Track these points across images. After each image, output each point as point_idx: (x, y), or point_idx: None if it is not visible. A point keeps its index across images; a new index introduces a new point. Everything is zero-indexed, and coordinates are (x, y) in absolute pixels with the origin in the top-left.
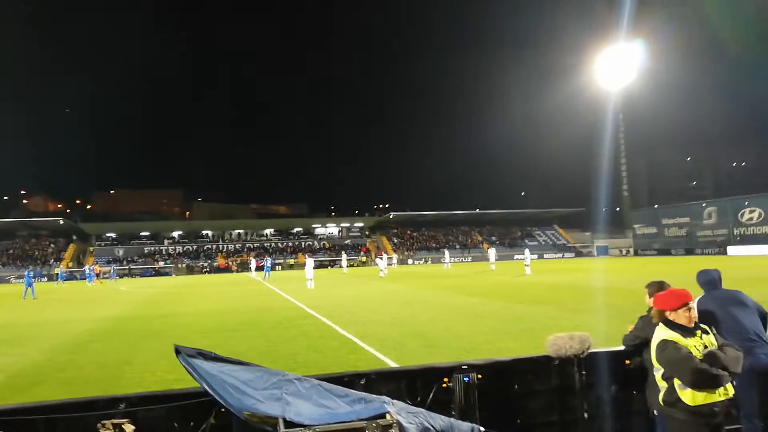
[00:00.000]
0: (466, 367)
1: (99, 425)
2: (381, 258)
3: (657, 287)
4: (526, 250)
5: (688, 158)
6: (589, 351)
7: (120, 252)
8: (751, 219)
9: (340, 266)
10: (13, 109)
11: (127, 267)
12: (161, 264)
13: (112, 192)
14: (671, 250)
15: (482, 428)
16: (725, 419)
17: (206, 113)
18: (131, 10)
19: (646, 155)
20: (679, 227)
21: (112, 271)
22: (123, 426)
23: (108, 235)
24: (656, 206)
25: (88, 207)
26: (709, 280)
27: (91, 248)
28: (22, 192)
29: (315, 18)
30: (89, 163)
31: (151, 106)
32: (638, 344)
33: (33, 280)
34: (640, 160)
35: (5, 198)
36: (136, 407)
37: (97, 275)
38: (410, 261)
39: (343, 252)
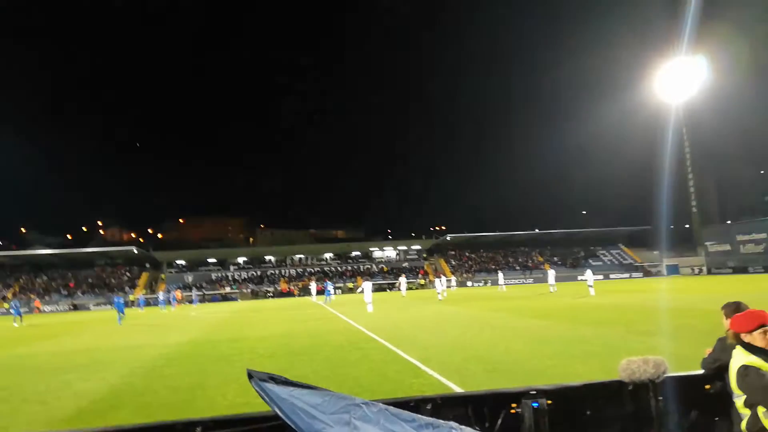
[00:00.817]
0: (534, 392)
1: None
2: (439, 280)
3: (734, 308)
4: (588, 271)
5: (762, 171)
6: (665, 375)
7: (189, 278)
8: None
9: (399, 289)
10: (89, 143)
11: (201, 293)
12: (227, 289)
13: (181, 221)
14: (748, 267)
15: None
16: None
17: (265, 142)
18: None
19: (714, 170)
20: (756, 243)
21: (194, 296)
22: None
23: (178, 262)
24: (729, 222)
25: (159, 236)
26: None
27: (163, 275)
28: (99, 223)
29: (380, 47)
30: (160, 194)
31: (213, 136)
32: (718, 367)
33: (124, 306)
34: (708, 175)
35: (84, 229)
36: (211, 430)
37: (179, 301)
38: (469, 283)
39: (402, 275)
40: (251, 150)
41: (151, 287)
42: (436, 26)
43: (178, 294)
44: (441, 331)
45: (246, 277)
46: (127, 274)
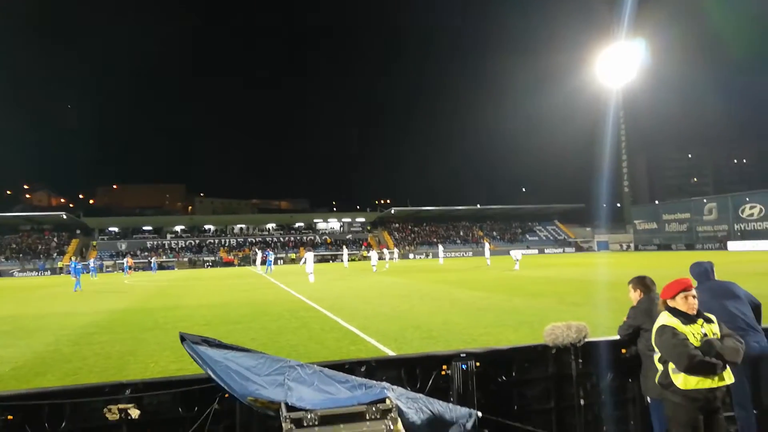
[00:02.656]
0: (464, 355)
1: (105, 410)
2: (375, 252)
3: (639, 280)
4: (513, 252)
5: (689, 155)
6: (586, 340)
7: (123, 246)
8: (751, 215)
9: (341, 260)
10: (15, 104)
11: (161, 259)
12: (164, 258)
13: (114, 187)
14: (672, 245)
15: (480, 414)
16: (721, 406)
17: (208, 108)
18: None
19: (647, 152)
20: (680, 223)
21: (153, 263)
22: (129, 410)
23: (111, 229)
24: (657, 202)
25: (91, 201)
26: (702, 272)
27: (94, 242)
28: (25, 187)
29: (318, 15)
30: (92, 158)
31: (153, 100)
32: (632, 333)
33: (81, 271)
34: (641, 157)
35: (8, 192)
36: (141, 393)
37: (131, 268)
38: (411, 255)
39: (344, 246)
40: (193, 116)
41: (82, 254)
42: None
43: (130, 260)
44: (381, 301)
45: (184, 245)
46: (56, 240)
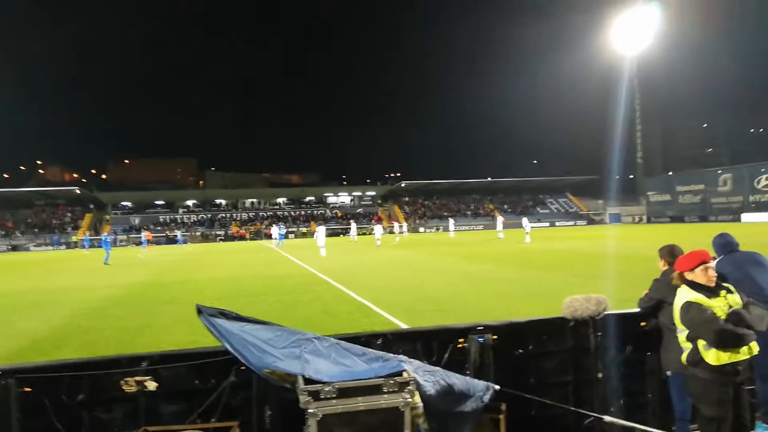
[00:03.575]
0: (481, 327)
1: (122, 382)
2: (378, 226)
3: (668, 251)
4: (525, 219)
5: (705, 125)
6: (605, 313)
7: (136, 221)
8: (767, 186)
9: (349, 235)
10: (27, 80)
11: (189, 233)
12: (176, 232)
13: (126, 161)
14: (684, 217)
15: (497, 386)
16: (746, 379)
17: (220, 82)
18: None
19: (661, 122)
20: (694, 194)
21: (179, 236)
22: (145, 383)
23: (123, 204)
24: (670, 173)
25: (104, 177)
26: (726, 243)
27: (107, 217)
28: (38, 162)
29: None
30: (103, 133)
31: (163, 73)
32: (653, 306)
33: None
34: (655, 127)
35: (22, 168)
36: (157, 365)
37: (150, 242)
38: (421, 229)
39: (352, 221)
40: (206, 91)
41: (95, 229)
42: None
43: (149, 235)
44: (392, 274)
45: (196, 220)
46: (69, 215)
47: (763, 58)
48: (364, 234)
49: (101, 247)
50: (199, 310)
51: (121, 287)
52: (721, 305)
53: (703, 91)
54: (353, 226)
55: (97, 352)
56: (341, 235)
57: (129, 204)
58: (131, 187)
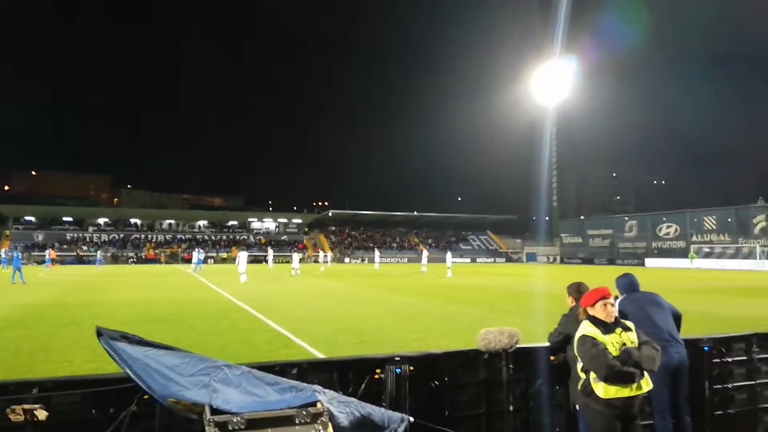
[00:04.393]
0: (398, 358)
1: (8, 410)
2: (295, 254)
3: (575, 288)
4: (448, 254)
5: (614, 174)
6: (517, 346)
7: (40, 237)
8: (668, 234)
9: (266, 262)
10: None
11: (106, 253)
12: (98, 252)
13: (33, 173)
14: (594, 259)
15: (411, 418)
16: (639, 414)
17: (139, 97)
18: None
19: (576, 169)
20: (603, 238)
21: (98, 256)
22: (35, 411)
23: (27, 218)
24: (582, 218)
25: (6, 188)
26: (629, 283)
27: (8, 231)
28: None
29: (255, 15)
30: (8, 141)
31: (78, 83)
32: (562, 340)
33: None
34: (570, 173)
35: None
36: (50, 392)
37: (54, 260)
38: (346, 260)
39: (269, 248)
40: (127, 103)
41: None
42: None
43: (53, 252)
44: (314, 304)
45: (107, 239)
46: None
47: (667, 116)
48: (289, 262)
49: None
50: (99, 333)
51: (17, 307)
52: (615, 342)
53: (613, 142)
54: (270, 252)
55: None
56: (263, 263)
57: (33, 219)
58: (37, 201)
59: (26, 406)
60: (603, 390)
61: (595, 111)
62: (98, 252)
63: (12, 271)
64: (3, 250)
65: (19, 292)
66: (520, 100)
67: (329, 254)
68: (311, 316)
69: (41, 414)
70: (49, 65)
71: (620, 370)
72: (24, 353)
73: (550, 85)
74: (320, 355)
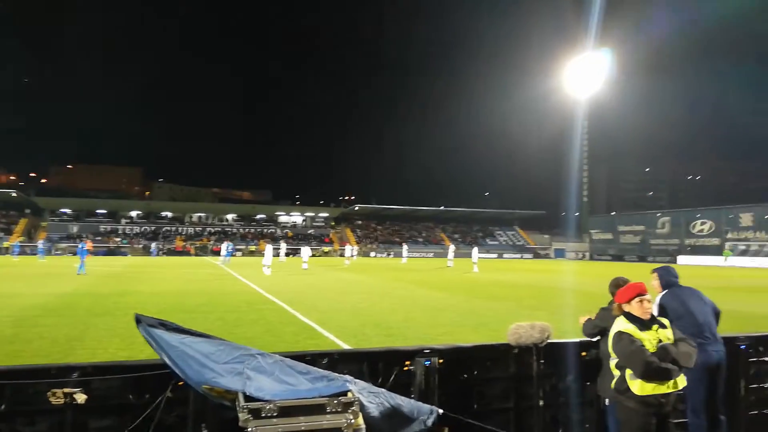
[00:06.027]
0: (428, 351)
1: (49, 393)
2: (305, 247)
3: (614, 283)
4: (474, 249)
5: (647, 169)
6: (548, 341)
7: (74, 229)
8: (701, 231)
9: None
10: None
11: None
12: (152, 244)
13: (69, 167)
14: (625, 256)
15: (441, 410)
16: (672, 411)
17: (172, 92)
18: None
19: (607, 163)
20: (634, 235)
21: (152, 247)
22: (75, 395)
23: (62, 210)
24: (613, 213)
25: (43, 181)
26: (671, 278)
27: (44, 223)
28: None
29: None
30: (46, 136)
31: (115, 80)
32: (597, 333)
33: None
34: (601, 168)
35: None
36: (89, 376)
37: (90, 252)
38: (372, 254)
39: (282, 242)
40: (156, 99)
41: (30, 235)
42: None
43: (89, 243)
44: (341, 297)
45: (139, 231)
46: (3, 219)
47: (704, 109)
48: (315, 255)
49: (37, 254)
50: (138, 320)
51: (53, 296)
52: (652, 338)
53: (647, 137)
54: (283, 246)
55: (22, 363)
56: (289, 256)
57: (68, 211)
58: (72, 193)
59: (67, 390)
60: (639, 387)
61: (629, 104)
62: (153, 244)
63: (80, 261)
64: (40, 241)
65: (54, 281)
66: (551, 93)
67: (355, 248)
68: (337, 309)
69: (80, 397)
70: (81, 63)
71: (658, 367)
72: (60, 341)
73: (583, 77)
74: (347, 347)
